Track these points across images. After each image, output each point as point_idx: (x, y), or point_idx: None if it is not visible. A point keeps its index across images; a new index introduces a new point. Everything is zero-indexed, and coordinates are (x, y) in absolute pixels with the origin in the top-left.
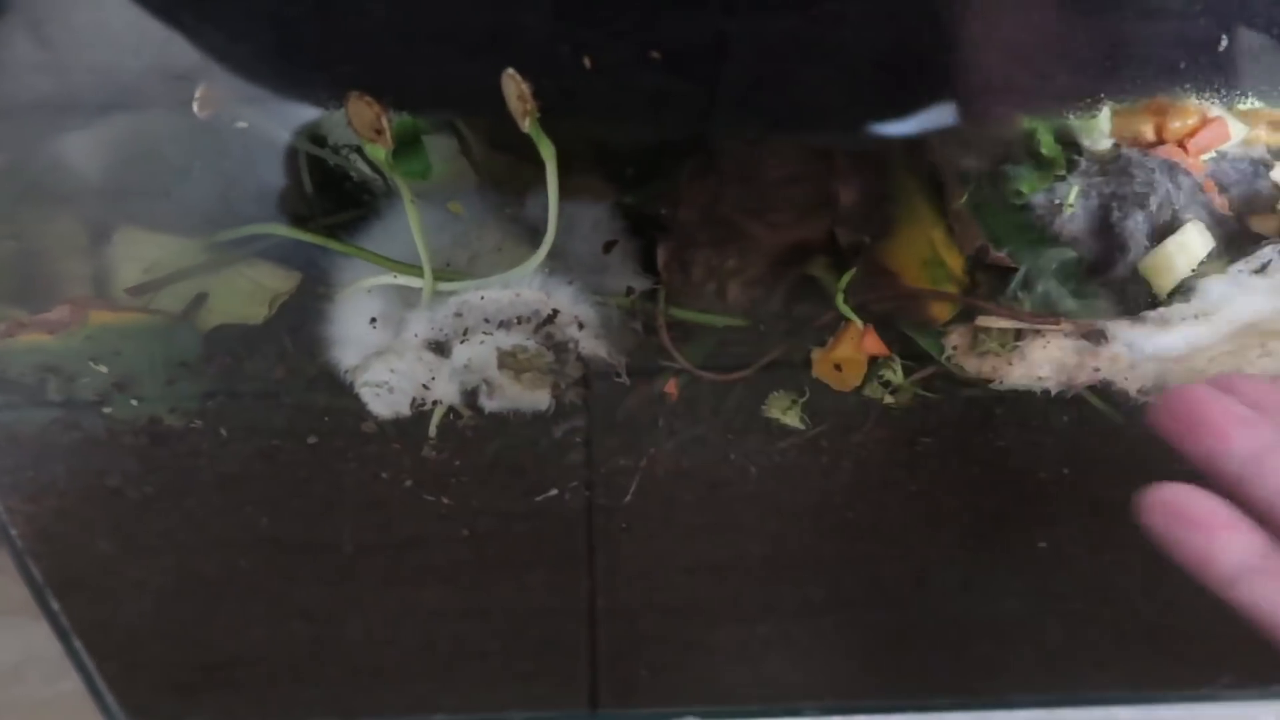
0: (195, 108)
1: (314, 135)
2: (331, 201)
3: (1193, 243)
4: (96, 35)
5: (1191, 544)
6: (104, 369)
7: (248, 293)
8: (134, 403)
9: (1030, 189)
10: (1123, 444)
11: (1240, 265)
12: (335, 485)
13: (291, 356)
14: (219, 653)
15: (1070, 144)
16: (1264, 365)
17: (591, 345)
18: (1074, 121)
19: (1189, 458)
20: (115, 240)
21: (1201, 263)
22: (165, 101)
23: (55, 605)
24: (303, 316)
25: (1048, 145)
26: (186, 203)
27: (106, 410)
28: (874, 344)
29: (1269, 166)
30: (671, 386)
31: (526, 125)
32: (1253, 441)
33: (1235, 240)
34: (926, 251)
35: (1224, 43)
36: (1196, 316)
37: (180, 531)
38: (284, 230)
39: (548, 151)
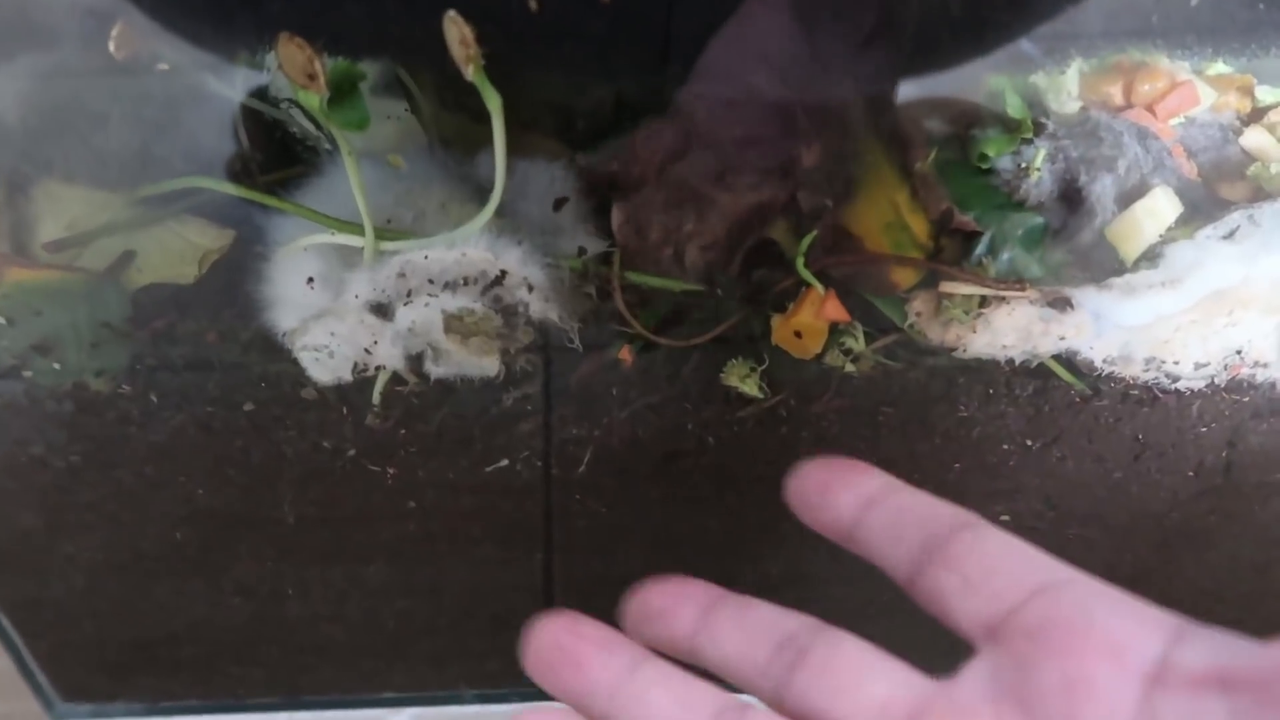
0: (111, 48)
1: (249, 84)
2: (268, 155)
3: (1160, 208)
4: None
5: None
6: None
7: (178, 251)
8: (56, 366)
9: (996, 152)
10: (1087, 414)
11: (1208, 231)
12: (274, 455)
13: (225, 319)
14: (154, 630)
15: (1037, 106)
16: (1231, 334)
17: (542, 309)
18: (1041, 83)
19: (562, 699)
20: (33, 194)
21: (1169, 229)
22: (79, 41)
23: None
24: (237, 276)
25: (1014, 107)
26: (106, 153)
27: (26, 374)
28: (835, 310)
29: (1238, 132)
30: (626, 353)
31: (470, 73)
32: (610, 671)
33: (1203, 206)
34: (890, 215)
35: None
36: (1163, 283)
37: (111, 503)
38: (216, 184)
39: (493, 102)
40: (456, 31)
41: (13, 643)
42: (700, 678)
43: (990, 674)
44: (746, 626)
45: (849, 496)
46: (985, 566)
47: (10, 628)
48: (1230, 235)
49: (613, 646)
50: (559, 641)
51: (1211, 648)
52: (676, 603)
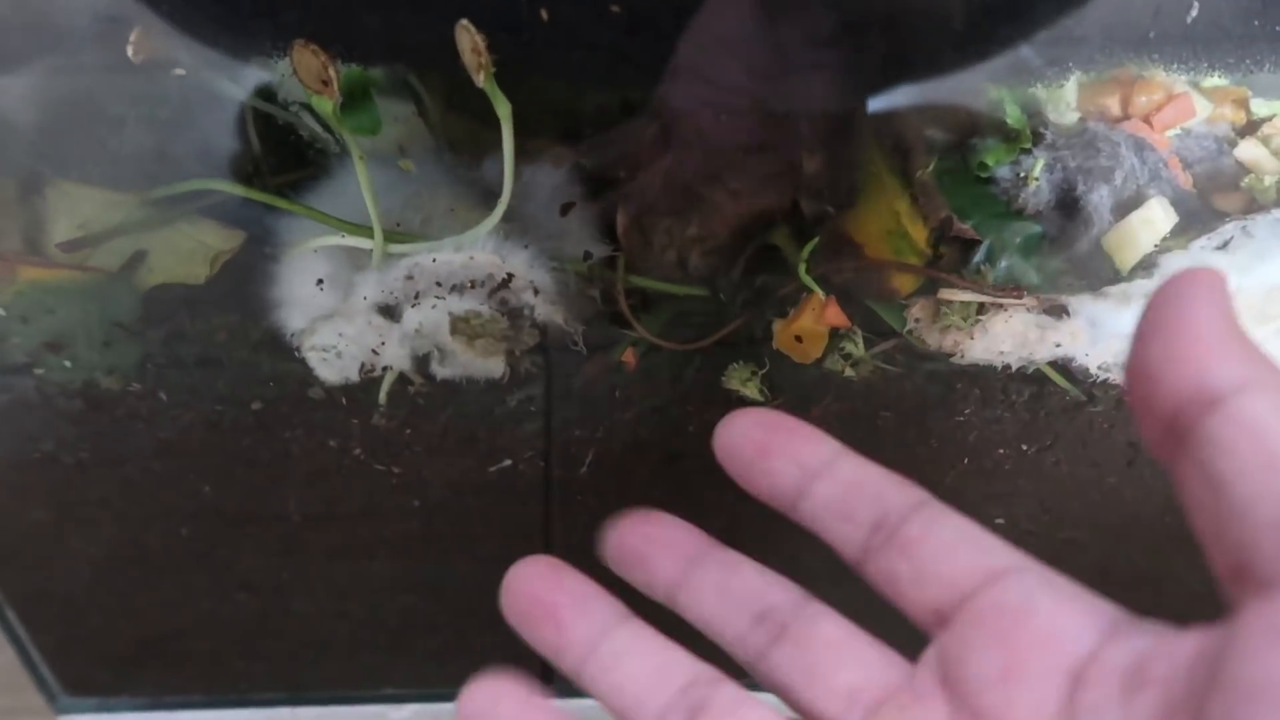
0: (130, 53)
1: (261, 88)
2: (278, 157)
3: (1156, 218)
4: None
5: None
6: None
7: (189, 251)
8: (67, 364)
9: (996, 161)
10: (1082, 420)
11: (1202, 241)
12: (281, 453)
13: (235, 319)
14: (159, 625)
15: (1037, 117)
16: None
17: (547, 312)
18: (1041, 94)
19: (538, 649)
20: (47, 194)
21: (1164, 238)
22: (97, 46)
23: None
24: (247, 277)
25: (1014, 117)
26: (121, 155)
27: (38, 372)
28: (835, 316)
29: (1232, 144)
30: (629, 356)
31: (481, 80)
32: (587, 630)
33: (1197, 217)
34: (891, 223)
35: (1193, 11)
36: None
37: (118, 499)
38: (227, 186)
39: (503, 109)
40: (468, 39)
41: (18, 637)
42: (673, 641)
43: (940, 661)
44: (729, 591)
45: (791, 466)
46: (938, 553)
47: (16, 622)
48: (1224, 246)
49: (590, 604)
50: (537, 593)
51: (1134, 645)
52: (658, 550)
